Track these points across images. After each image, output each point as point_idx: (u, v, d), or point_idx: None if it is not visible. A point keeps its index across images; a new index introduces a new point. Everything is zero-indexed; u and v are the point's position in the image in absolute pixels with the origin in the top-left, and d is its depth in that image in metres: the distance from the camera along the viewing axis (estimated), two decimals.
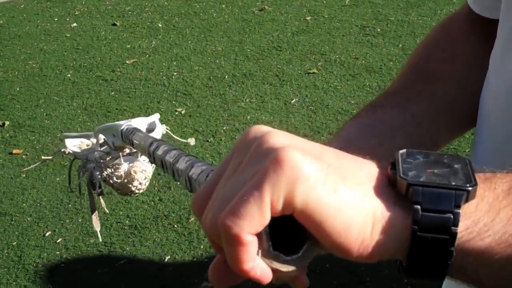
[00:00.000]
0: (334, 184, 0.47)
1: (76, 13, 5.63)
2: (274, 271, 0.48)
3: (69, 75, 4.50)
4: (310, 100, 3.83)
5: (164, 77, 4.32)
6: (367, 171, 0.50)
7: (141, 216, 3.00)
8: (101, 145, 1.12)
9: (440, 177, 0.48)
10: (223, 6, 5.51)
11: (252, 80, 4.15)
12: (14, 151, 3.63)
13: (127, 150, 1.12)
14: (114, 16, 5.50)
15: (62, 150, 1.19)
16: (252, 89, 4.04)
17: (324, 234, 0.47)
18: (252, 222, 0.46)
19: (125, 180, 1.13)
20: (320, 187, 0.46)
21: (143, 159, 1.12)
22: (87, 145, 1.18)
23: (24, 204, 3.17)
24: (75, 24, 5.39)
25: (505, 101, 0.77)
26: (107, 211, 1.27)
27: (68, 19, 5.52)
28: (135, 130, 1.02)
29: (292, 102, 3.84)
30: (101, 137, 1.12)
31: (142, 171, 1.11)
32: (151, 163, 0.95)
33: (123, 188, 1.14)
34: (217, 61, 4.49)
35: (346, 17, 4.95)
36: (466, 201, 0.48)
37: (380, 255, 0.49)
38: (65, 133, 1.17)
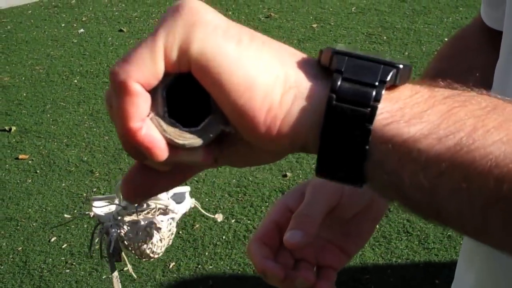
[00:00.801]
0: (239, 35, 0.41)
1: (83, 19, 5.65)
2: (170, 145, 0.42)
3: (75, 81, 4.52)
4: None
5: None
6: (291, 49, 0.44)
7: None
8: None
9: (369, 55, 0.43)
10: (230, 13, 5.52)
11: None
12: (20, 156, 3.64)
13: (144, 206, 1.06)
14: (121, 22, 5.52)
15: (87, 213, 1.15)
16: None
17: (222, 91, 0.40)
18: (141, 68, 0.40)
19: (139, 238, 1.07)
20: (221, 35, 0.41)
21: (161, 219, 1.05)
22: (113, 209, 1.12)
23: (29, 210, 3.18)
24: (82, 30, 5.41)
25: None
26: (135, 276, 1.20)
27: (75, 25, 5.54)
28: None
29: None
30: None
31: (158, 229, 1.05)
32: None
33: (134, 248, 1.09)
34: None
35: (352, 25, 4.95)
36: (395, 82, 0.42)
37: (293, 132, 0.42)
38: (93, 196, 1.13)
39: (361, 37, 4.74)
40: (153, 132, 0.41)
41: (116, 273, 1.17)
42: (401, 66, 0.42)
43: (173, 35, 0.40)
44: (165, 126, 0.42)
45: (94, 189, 3.27)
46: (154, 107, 0.41)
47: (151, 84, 0.41)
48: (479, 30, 0.94)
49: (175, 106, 0.42)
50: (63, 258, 2.84)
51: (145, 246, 1.09)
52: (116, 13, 5.75)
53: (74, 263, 2.80)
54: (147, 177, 0.45)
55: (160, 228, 1.07)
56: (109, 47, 5.03)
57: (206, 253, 2.77)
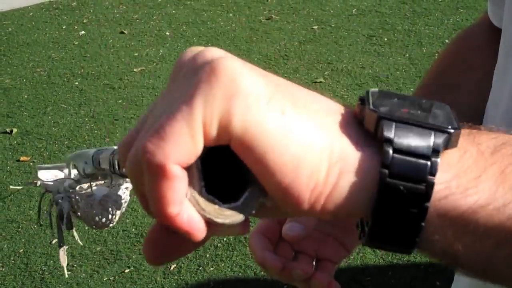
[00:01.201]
0: (281, 105, 0.37)
1: (84, 21, 5.66)
2: (208, 223, 0.38)
3: (76, 83, 4.52)
4: None
5: None
6: (326, 103, 0.40)
7: (147, 224, 3.00)
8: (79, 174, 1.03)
9: (417, 117, 0.39)
10: (231, 15, 5.53)
11: None
12: (21, 158, 3.64)
13: (101, 182, 1.03)
14: (122, 24, 5.53)
15: (34, 181, 1.13)
16: None
17: (266, 171, 0.37)
18: (180, 147, 0.36)
19: (94, 211, 1.04)
20: (263, 107, 0.37)
21: (119, 191, 1.03)
22: (60, 177, 1.09)
23: (31, 212, 3.18)
24: (83, 32, 5.42)
25: (506, 108, 0.77)
26: (81, 243, 1.19)
27: (76, 27, 5.55)
28: (105, 150, 0.91)
29: None
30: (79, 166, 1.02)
31: (114, 202, 1.01)
32: (112, 173, 0.87)
33: (89, 220, 1.06)
34: None
35: (353, 27, 4.96)
36: (446, 147, 0.39)
37: (337, 208, 0.39)
38: (38, 165, 1.10)
39: (361, 39, 4.75)
40: (192, 215, 0.38)
41: (64, 247, 1.13)
42: (451, 130, 0.38)
43: (211, 107, 0.36)
44: (203, 204, 0.38)
45: None
46: (189, 182, 0.37)
47: (189, 163, 0.37)
48: (485, 30, 0.93)
49: (207, 175, 0.39)
50: None
51: (99, 217, 1.06)
52: (117, 15, 5.75)
53: (75, 265, 2.80)
54: (171, 240, 0.41)
55: (116, 201, 1.04)
56: (110, 49, 5.04)
57: (207, 255, 2.77)
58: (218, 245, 2.81)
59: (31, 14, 5.98)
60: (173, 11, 5.75)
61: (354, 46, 4.65)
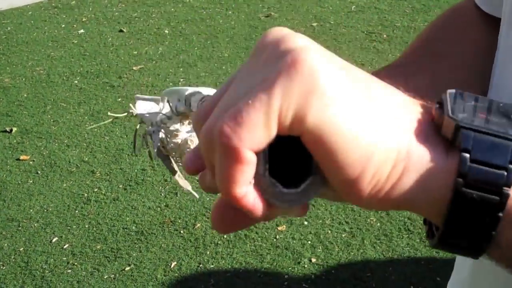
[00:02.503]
0: (356, 104, 0.38)
1: (83, 19, 5.66)
2: (268, 204, 0.41)
3: (76, 82, 4.52)
4: None
5: (170, 83, 4.34)
6: (404, 99, 0.41)
7: (147, 222, 3.00)
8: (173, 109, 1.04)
9: (496, 125, 0.39)
10: (230, 12, 5.52)
11: None
12: (21, 157, 3.64)
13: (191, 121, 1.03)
14: (121, 23, 5.53)
15: (131, 111, 1.12)
16: None
17: (334, 167, 0.38)
18: (255, 134, 0.37)
19: (181, 150, 1.06)
20: (339, 109, 0.38)
21: None
22: (155, 110, 1.10)
23: (31, 210, 3.18)
24: (82, 31, 5.42)
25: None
26: (196, 196, 1.16)
27: (75, 26, 5.55)
28: (198, 94, 0.93)
29: None
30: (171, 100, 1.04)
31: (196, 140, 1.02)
32: None
33: (179, 158, 1.07)
34: (224, 67, 4.50)
35: (352, 23, 4.96)
36: None
37: (395, 203, 0.40)
38: (137, 95, 1.10)
39: (361, 36, 4.74)
40: (255, 195, 0.40)
41: (178, 173, 1.12)
42: None
43: (289, 99, 0.37)
44: (265, 186, 0.40)
45: (96, 189, 3.27)
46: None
47: (261, 149, 0.38)
48: (472, 10, 0.92)
49: (272, 159, 0.41)
50: (65, 258, 2.84)
51: (179, 158, 1.08)
52: (116, 13, 5.75)
53: (75, 263, 2.80)
54: (236, 214, 0.43)
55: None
56: (110, 48, 5.04)
57: (208, 252, 2.77)
58: (219, 242, 2.81)
59: (30, 13, 5.98)
60: (172, 9, 5.75)
61: (353, 42, 4.64)
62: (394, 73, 0.80)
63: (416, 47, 0.91)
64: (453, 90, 0.42)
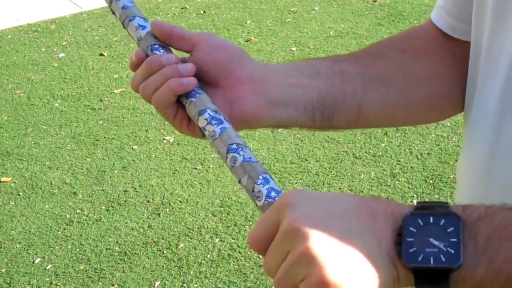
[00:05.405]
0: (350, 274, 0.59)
1: (64, 43, 5.68)
2: None
3: (57, 104, 4.53)
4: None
5: (152, 106, 4.35)
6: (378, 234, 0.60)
7: (130, 242, 3.01)
8: None
9: (435, 252, 0.58)
10: None
11: None
12: (2, 179, 3.63)
13: None
14: (102, 47, 5.55)
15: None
16: None
17: None
18: None
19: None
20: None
21: None
22: None
23: (13, 232, 3.17)
24: (62, 54, 5.43)
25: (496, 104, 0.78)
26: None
27: (55, 49, 5.56)
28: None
29: (279, 130, 3.89)
30: None
31: None
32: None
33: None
34: None
35: (331, 48, 5.04)
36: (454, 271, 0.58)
37: None
38: None
39: None
40: None
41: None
42: (456, 267, 0.59)
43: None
44: None
45: (78, 211, 3.27)
46: None
47: None
48: (430, 35, 0.94)
49: None
50: (48, 279, 2.83)
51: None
52: (97, 37, 5.78)
53: (59, 284, 2.79)
54: None
55: None
56: (90, 71, 5.05)
57: (191, 272, 2.78)
58: (202, 262, 2.82)
59: (9, 36, 5.98)
60: None
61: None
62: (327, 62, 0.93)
63: (359, 53, 0.96)
64: (408, 214, 0.60)
